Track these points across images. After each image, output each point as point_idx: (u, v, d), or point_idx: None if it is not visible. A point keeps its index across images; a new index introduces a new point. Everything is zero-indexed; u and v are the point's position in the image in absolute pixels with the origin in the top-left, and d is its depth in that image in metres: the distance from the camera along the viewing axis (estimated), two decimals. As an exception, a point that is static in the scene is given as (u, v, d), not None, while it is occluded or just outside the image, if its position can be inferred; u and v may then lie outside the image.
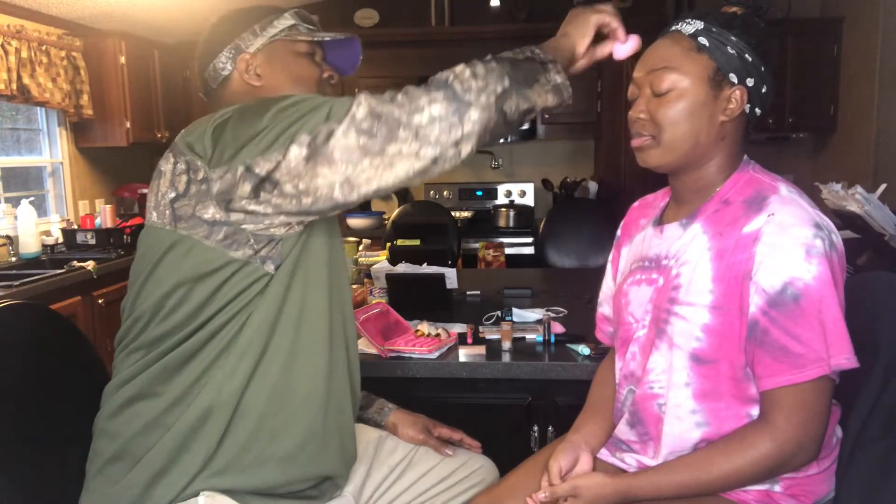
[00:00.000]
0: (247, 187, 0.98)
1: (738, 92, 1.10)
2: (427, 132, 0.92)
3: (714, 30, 1.10)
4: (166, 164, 1.06)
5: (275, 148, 0.95)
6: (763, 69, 1.10)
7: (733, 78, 1.09)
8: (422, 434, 1.36)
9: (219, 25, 1.21)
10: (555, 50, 1.05)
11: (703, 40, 1.10)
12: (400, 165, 0.93)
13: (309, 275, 1.08)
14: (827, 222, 1.06)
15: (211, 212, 1.01)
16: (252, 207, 0.99)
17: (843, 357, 1.01)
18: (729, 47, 1.09)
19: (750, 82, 1.10)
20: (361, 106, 0.94)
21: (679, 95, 1.10)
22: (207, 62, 1.19)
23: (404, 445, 1.35)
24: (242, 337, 1.03)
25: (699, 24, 1.11)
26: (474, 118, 0.93)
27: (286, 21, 1.20)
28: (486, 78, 0.94)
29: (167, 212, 1.04)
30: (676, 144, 1.11)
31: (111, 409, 1.08)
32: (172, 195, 1.03)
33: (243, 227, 1.01)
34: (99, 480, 1.06)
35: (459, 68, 0.96)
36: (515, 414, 1.72)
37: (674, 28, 1.14)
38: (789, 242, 1.02)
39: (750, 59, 1.09)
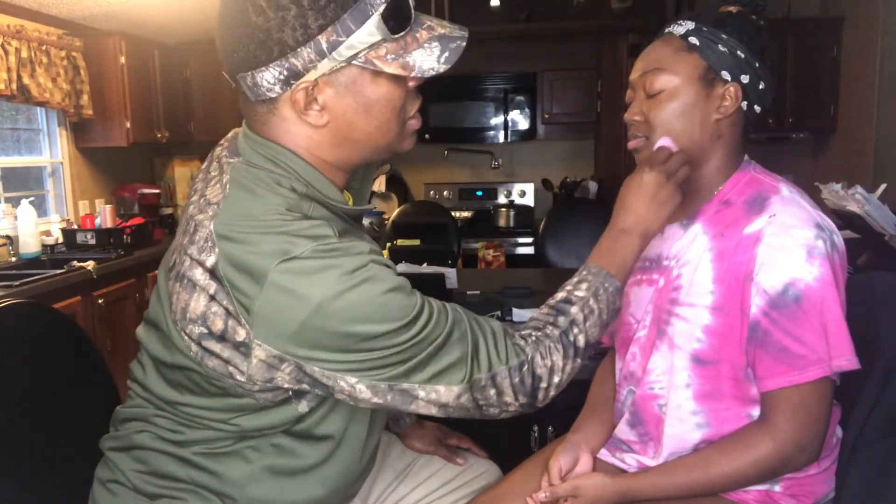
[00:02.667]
0: (289, 378, 0.88)
1: (731, 89, 1.09)
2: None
3: (705, 29, 1.10)
4: (203, 279, 0.86)
5: (346, 374, 0.86)
6: (758, 65, 1.10)
7: (726, 75, 1.09)
8: (430, 446, 1.34)
9: (260, 13, 0.82)
10: (625, 259, 1.03)
11: (693, 40, 1.10)
12: None
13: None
14: (828, 223, 1.06)
15: (244, 378, 0.88)
16: (290, 388, 0.91)
17: (844, 358, 1.01)
18: (720, 45, 1.09)
19: (745, 79, 1.10)
20: (468, 392, 0.89)
21: (670, 95, 1.10)
22: (244, 65, 0.86)
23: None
24: (273, 451, 0.97)
25: (690, 25, 1.11)
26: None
27: (370, 35, 0.84)
28: (569, 375, 0.97)
29: (193, 345, 0.89)
30: None
31: (118, 444, 1.02)
32: (203, 330, 0.87)
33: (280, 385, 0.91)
34: (104, 491, 1.03)
35: (550, 372, 0.94)
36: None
37: (667, 30, 1.14)
38: (791, 243, 1.02)
39: (743, 55, 1.09)
